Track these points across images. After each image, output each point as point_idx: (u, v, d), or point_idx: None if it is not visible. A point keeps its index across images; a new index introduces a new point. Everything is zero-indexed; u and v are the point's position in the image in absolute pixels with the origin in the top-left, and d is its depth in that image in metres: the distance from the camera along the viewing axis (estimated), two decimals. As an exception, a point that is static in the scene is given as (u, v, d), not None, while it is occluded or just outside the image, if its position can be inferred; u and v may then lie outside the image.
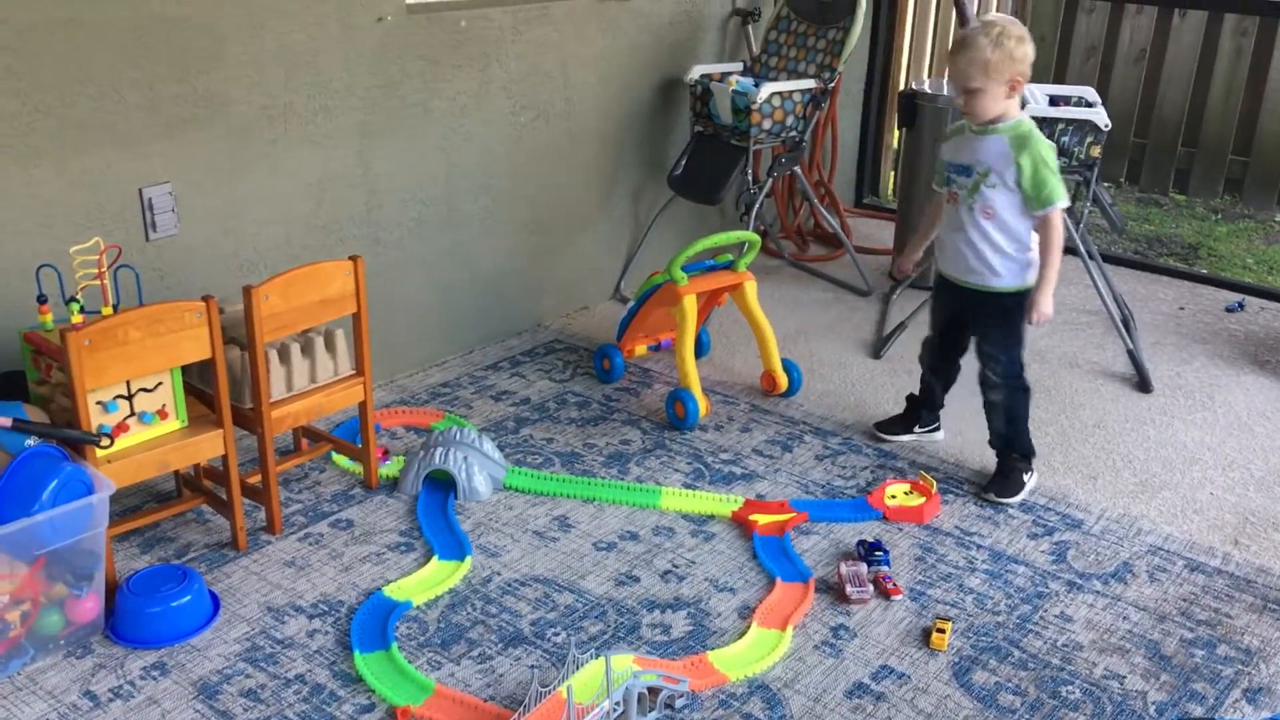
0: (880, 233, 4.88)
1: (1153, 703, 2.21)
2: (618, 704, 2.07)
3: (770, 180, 4.11)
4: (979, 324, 2.89)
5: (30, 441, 2.24)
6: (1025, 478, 2.92)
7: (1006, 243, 2.74)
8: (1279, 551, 2.71)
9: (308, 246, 3.15)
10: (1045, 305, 2.73)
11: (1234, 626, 2.44)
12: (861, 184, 5.29)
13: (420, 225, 3.45)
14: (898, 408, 3.24)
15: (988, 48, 2.59)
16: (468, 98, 3.46)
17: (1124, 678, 2.28)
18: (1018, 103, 2.71)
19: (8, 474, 2.18)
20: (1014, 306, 2.78)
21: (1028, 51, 2.64)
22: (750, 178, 4.02)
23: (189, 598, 2.36)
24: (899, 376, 3.60)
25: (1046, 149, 2.68)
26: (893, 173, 5.46)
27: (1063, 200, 2.68)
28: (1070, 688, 2.25)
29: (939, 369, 3.09)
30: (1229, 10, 5.36)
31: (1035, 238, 2.75)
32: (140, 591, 2.35)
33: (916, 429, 3.17)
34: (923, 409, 3.15)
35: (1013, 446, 2.93)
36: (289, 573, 2.56)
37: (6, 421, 2.21)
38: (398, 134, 3.31)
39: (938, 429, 3.19)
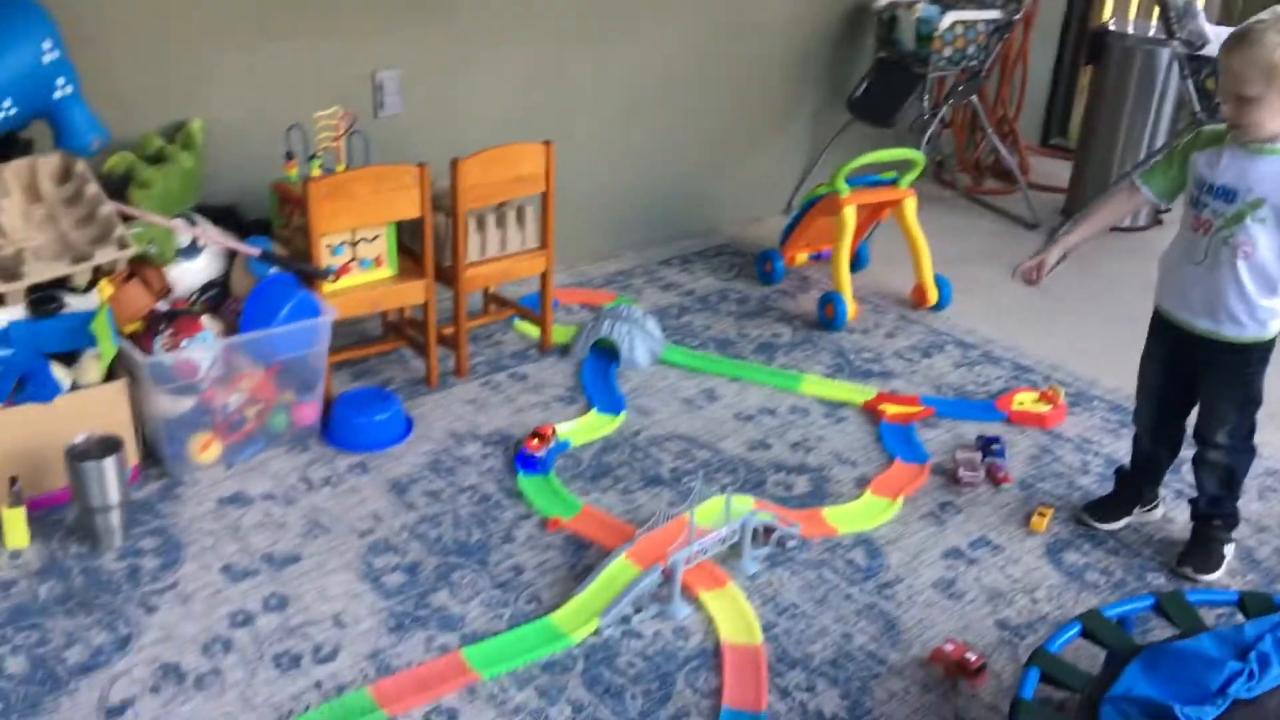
0: (1060, 171, 4.92)
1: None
2: (734, 532, 2.38)
3: (946, 107, 4.25)
4: (1209, 378, 2.37)
5: (272, 270, 2.71)
6: (1226, 550, 2.46)
7: (1258, 290, 2.22)
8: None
9: (508, 138, 3.53)
10: None
11: (1336, 546, 2.55)
12: (1050, 122, 5.32)
13: (609, 127, 3.79)
14: (1047, 330, 3.35)
15: (1277, 48, 2.04)
16: (666, 10, 3.76)
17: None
18: None
19: (254, 294, 2.65)
20: (1256, 360, 2.31)
21: None
22: (928, 104, 4.18)
23: (388, 415, 2.81)
24: (1051, 302, 3.73)
25: None
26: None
27: None
28: (1156, 575, 2.43)
29: (1160, 433, 2.52)
30: None
31: None
32: (350, 406, 2.81)
33: (1138, 510, 2.60)
34: (1144, 485, 2.59)
35: (1219, 511, 2.46)
36: (470, 409, 2.99)
37: (256, 251, 2.69)
38: (598, 40, 3.64)
39: (1156, 506, 2.64)
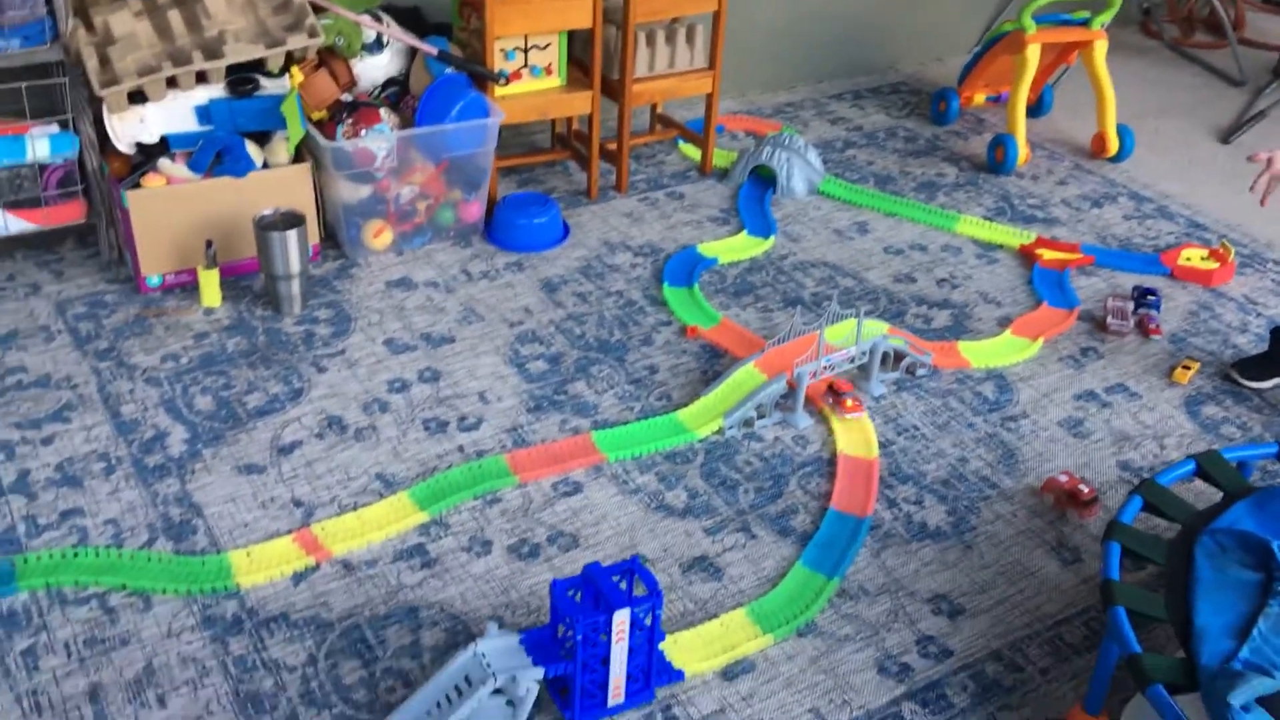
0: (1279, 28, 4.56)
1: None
2: (864, 354, 2.43)
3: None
4: None
5: (448, 70, 2.84)
6: None
7: None
8: None
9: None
10: None
11: None
12: (1279, -24, 4.89)
13: (793, -48, 3.72)
14: (1231, 190, 3.18)
15: None
16: None
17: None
18: None
19: (428, 91, 2.79)
20: None
21: None
22: (1137, -57, 3.91)
23: (547, 219, 2.94)
24: (1241, 163, 3.51)
25: None
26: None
27: None
28: (1298, 437, 2.37)
29: None
30: None
31: None
32: (512, 208, 2.95)
33: None
34: None
35: None
36: (625, 221, 3.09)
37: (433, 50, 2.81)
38: None
39: None
